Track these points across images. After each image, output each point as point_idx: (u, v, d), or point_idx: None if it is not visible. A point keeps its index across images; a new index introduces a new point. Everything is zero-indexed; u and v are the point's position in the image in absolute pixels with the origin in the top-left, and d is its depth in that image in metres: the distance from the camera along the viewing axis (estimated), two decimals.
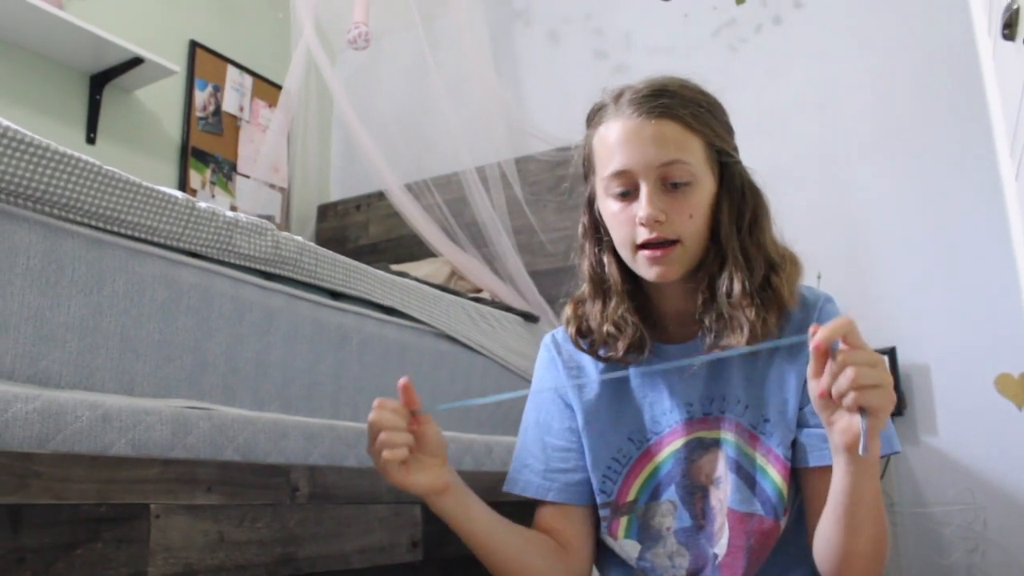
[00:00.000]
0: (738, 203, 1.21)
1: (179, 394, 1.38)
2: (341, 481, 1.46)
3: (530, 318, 2.61)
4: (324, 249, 1.75)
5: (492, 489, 1.74)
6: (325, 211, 3.90)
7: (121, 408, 1.22)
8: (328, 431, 1.50)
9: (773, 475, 1.20)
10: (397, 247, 3.47)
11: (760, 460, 1.21)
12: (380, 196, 3.53)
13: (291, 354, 1.60)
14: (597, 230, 1.30)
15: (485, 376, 2.11)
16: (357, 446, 1.54)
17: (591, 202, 1.29)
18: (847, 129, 3.03)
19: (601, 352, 1.30)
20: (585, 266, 1.32)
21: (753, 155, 1.32)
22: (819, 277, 2.82)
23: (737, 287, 1.17)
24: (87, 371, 1.30)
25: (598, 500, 1.33)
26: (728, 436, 1.23)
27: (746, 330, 1.15)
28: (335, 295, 1.76)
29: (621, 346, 1.26)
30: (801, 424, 1.20)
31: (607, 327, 1.26)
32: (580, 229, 1.33)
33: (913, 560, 2.70)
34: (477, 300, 2.38)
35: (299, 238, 1.69)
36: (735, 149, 1.26)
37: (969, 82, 2.77)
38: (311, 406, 1.61)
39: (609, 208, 1.22)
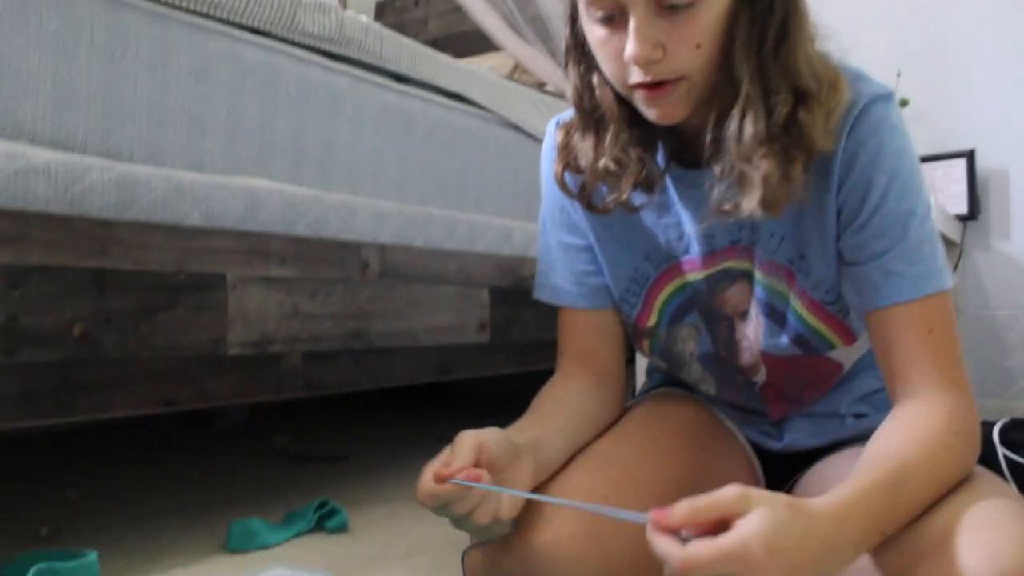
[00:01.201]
0: (762, 14, 0.92)
1: (247, 173, 1.38)
2: (410, 260, 1.48)
3: None
4: (389, 31, 1.70)
5: (511, 272, 1.75)
6: (383, 7, 3.80)
7: (193, 182, 1.23)
8: (397, 212, 1.50)
9: (808, 318, 1.06)
10: (457, 43, 3.38)
11: (794, 302, 1.05)
12: None
13: (357, 137, 1.59)
14: (583, 48, 1.01)
15: None
16: (426, 228, 1.55)
17: (574, 17, 1.03)
18: None
19: (594, 199, 1.06)
20: (570, 91, 1.06)
21: None
22: (899, 75, 2.70)
23: (749, 130, 0.91)
24: (157, 147, 1.30)
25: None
26: (759, 274, 1.06)
27: (758, 189, 0.91)
28: (400, 79, 1.72)
29: (625, 186, 1.02)
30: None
31: (605, 162, 1.02)
32: (564, 46, 1.05)
33: (974, 361, 2.70)
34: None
35: (364, 18, 1.65)
36: None
37: None
38: (377, 189, 1.61)
39: (593, 34, 0.95)
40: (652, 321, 1.15)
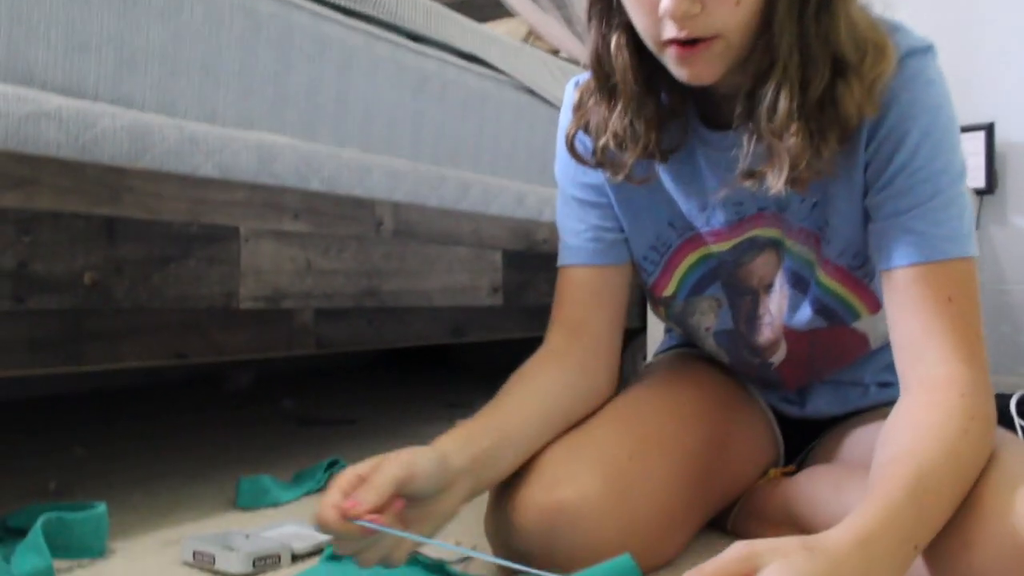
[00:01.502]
0: None
1: (260, 126, 1.36)
2: (424, 219, 1.46)
3: None
4: None
5: (524, 236, 1.72)
6: None
7: (207, 132, 1.21)
8: (411, 171, 1.48)
9: (832, 285, 1.03)
10: (470, 8, 3.33)
11: (818, 271, 1.02)
12: None
13: (371, 95, 1.56)
14: (609, 3, 0.96)
15: None
16: (440, 188, 1.53)
17: None
18: None
19: (606, 164, 1.03)
20: (588, 51, 1.00)
21: None
22: None
23: (782, 105, 0.87)
24: (170, 97, 1.27)
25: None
26: (789, 242, 1.02)
27: (786, 167, 0.88)
28: (415, 39, 1.69)
29: (626, 163, 0.99)
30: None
31: (605, 139, 0.99)
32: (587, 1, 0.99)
33: (990, 337, 2.67)
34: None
35: None
36: None
37: None
38: (391, 149, 1.58)
39: None
40: (670, 291, 1.12)
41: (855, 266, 1.01)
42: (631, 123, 0.97)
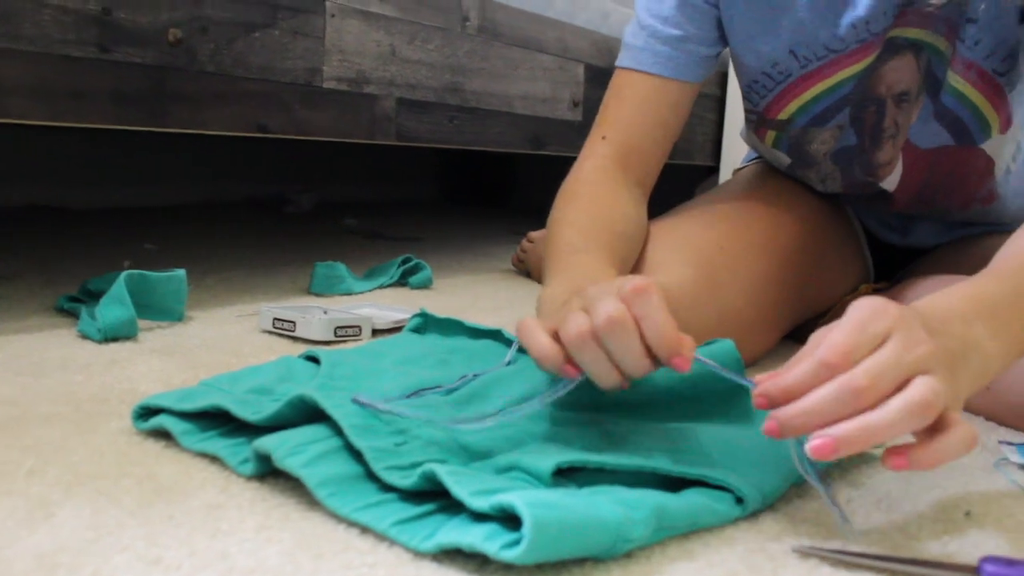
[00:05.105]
0: None
1: None
2: (509, 20, 1.40)
3: None
4: None
5: (607, 52, 1.64)
6: None
7: None
8: None
9: (968, 91, 0.92)
10: None
11: (951, 78, 0.92)
12: None
13: None
14: None
15: None
16: None
17: None
18: None
19: None
20: None
21: None
22: None
23: None
24: None
25: (743, 104, 1.06)
26: (925, 36, 0.91)
27: None
28: None
29: None
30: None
31: None
32: None
33: None
34: None
35: None
36: None
37: None
38: None
39: None
40: (785, 116, 1.00)
41: (1000, 71, 0.92)
42: None
